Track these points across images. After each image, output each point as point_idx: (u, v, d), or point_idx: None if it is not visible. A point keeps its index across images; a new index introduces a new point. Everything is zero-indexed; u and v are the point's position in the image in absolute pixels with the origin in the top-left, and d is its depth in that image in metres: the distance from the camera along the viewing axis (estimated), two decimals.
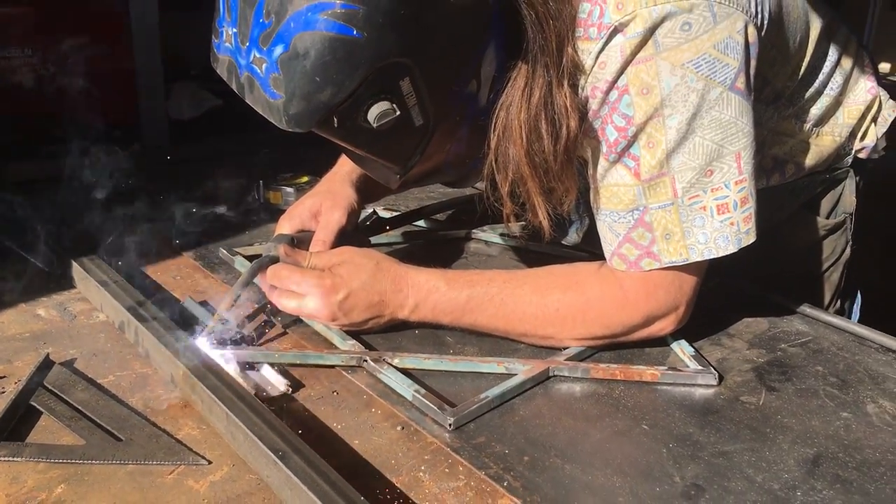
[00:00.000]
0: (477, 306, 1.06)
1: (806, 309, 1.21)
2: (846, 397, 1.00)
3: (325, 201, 1.23)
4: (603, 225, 1.06)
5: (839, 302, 1.40)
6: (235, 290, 1.07)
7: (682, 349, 1.08)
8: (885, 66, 10.98)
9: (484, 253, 1.42)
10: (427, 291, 1.07)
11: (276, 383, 0.96)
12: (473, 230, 1.47)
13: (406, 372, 0.99)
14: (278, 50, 0.85)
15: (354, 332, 1.08)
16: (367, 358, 1.01)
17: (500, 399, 0.95)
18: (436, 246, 1.43)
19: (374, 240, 1.37)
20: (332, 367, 1.02)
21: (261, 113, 0.91)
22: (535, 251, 1.42)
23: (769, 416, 0.96)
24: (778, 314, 1.22)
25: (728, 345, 1.13)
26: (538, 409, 0.95)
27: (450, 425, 0.89)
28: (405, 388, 0.95)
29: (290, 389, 0.96)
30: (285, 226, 1.21)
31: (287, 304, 1.07)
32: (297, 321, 1.12)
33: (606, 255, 1.06)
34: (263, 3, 0.84)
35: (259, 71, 0.87)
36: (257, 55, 0.86)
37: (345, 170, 1.32)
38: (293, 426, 0.86)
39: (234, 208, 1.55)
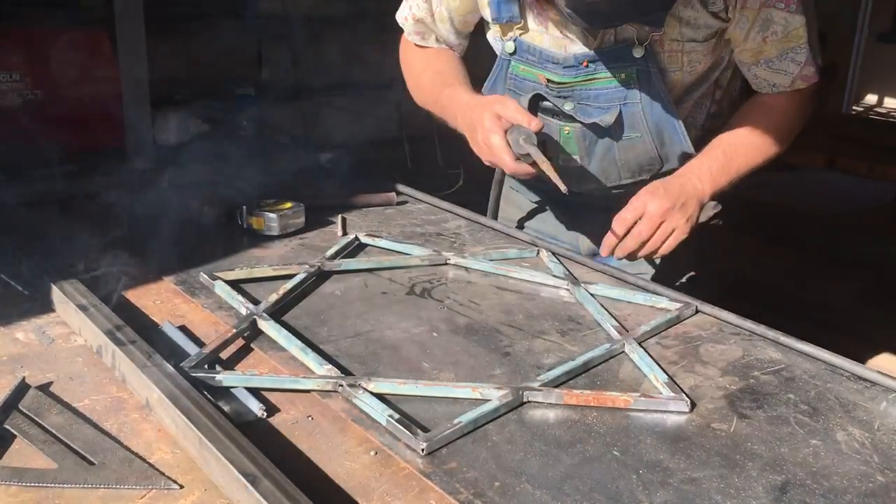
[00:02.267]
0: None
1: (780, 337, 1.23)
2: (816, 425, 1.01)
3: (494, 103, 1.42)
4: (784, 61, 1.48)
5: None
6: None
7: (655, 376, 1.09)
8: (871, 98, 11.13)
9: (463, 279, 1.43)
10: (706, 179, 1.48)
11: (251, 407, 0.97)
12: (452, 257, 1.48)
13: (381, 397, 1.00)
14: None
15: (331, 356, 1.10)
16: (343, 383, 1.01)
17: (474, 424, 0.96)
18: (414, 271, 1.44)
19: (346, 266, 1.42)
20: (308, 391, 1.02)
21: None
22: (514, 277, 1.43)
23: (739, 443, 0.97)
24: (752, 342, 1.24)
25: (701, 372, 1.14)
26: (511, 434, 0.96)
27: (423, 450, 0.90)
28: (379, 413, 0.96)
29: (265, 414, 0.96)
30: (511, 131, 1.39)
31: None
32: (274, 346, 1.13)
33: (785, 85, 1.52)
34: None
35: None
36: None
37: (457, 90, 1.56)
38: (267, 451, 0.86)
39: (216, 233, 1.56)
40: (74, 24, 2.24)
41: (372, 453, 0.91)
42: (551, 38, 1.50)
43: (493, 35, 1.58)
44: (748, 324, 1.27)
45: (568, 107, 1.54)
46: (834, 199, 5.45)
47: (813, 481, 0.90)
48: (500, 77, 1.59)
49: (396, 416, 0.95)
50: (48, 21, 2.21)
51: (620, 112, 1.51)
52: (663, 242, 1.44)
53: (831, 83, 7.62)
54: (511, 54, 1.55)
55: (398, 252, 1.51)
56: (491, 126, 1.40)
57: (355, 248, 1.53)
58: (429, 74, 1.64)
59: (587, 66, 1.49)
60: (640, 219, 1.42)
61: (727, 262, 3.57)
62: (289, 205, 1.58)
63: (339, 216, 1.66)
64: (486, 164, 1.48)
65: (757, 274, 3.63)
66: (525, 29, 1.52)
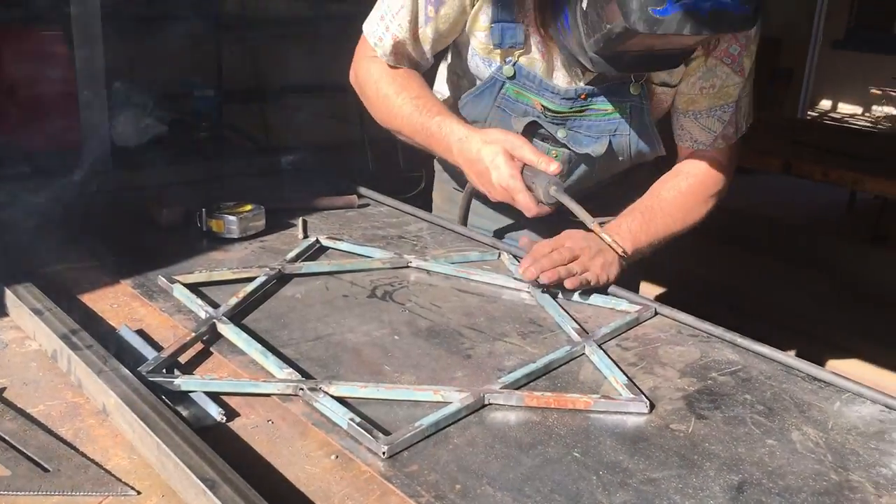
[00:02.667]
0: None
1: (737, 339, 1.25)
2: (772, 425, 1.03)
3: (503, 141, 1.41)
4: (711, 118, 1.54)
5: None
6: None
7: (615, 378, 1.10)
8: (826, 104, 11.35)
9: (425, 282, 1.43)
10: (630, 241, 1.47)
11: (210, 412, 0.96)
12: (414, 259, 1.47)
13: (342, 400, 1.00)
14: None
15: (292, 360, 1.09)
16: (304, 386, 1.01)
17: (435, 427, 0.96)
18: (376, 274, 1.43)
19: (307, 269, 1.41)
20: (268, 395, 1.01)
21: (723, 32, 1.31)
22: (475, 280, 1.43)
23: (697, 443, 0.98)
24: (710, 343, 1.25)
25: (660, 374, 1.15)
26: (472, 437, 0.96)
27: (383, 454, 0.90)
28: (340, 416, 0.95)
29: (224, 418, 0.95)
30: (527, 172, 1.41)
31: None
32: (233, 350, 1.12)
33: (706, 142, 1.57)
34: None
35: (728, 1, 1.14)
36: None
37: (449, 120, 1.50)
38: (226, 456, 0.85)
39: (175, 236, 1.54)
40: (29, 22, 2.19)
41: (332, 457, 0.90)
42: (552, 68, 1.52)
43: (482, 57, 1.55)
44: (706, 325, 1.29)
45: (561, 134, 1.57)
46: (791, 202, 5.56)
47: (769, 480, 0.91)
48: (488, 95, 1.57)
49: (357, 419, 0.94)
50: (2, 19, 2.17)
51: (610, 142, 1.57)
52: (573, 275, 1.37)
53: (787, 89, 7.78)
54: (509, 78, 1.54)
55: (359, 255, 1.51)
56: (507, 168, 1.39)
57: (316, 251, 1.52)
58: (404, 99, 1.56)
59: (584, 99, 1.52)
60: (557, 250, 1.41)
61: (689, 264, 3.63)
62: (249, 207, 1.57)
63: (300, 219, 1.65)
64: (494, 200, 1.47)
65: (717, 276, 3.69)
66: (527, 55, 1.52)
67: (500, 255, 1.55)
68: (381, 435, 0.92)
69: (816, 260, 3.60)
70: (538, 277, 1.35)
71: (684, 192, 1.57)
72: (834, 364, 3.17)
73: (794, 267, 3.70)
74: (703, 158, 1.60)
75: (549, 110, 1.55)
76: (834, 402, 1.09)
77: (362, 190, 1.90)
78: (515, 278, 1.43)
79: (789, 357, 1.19)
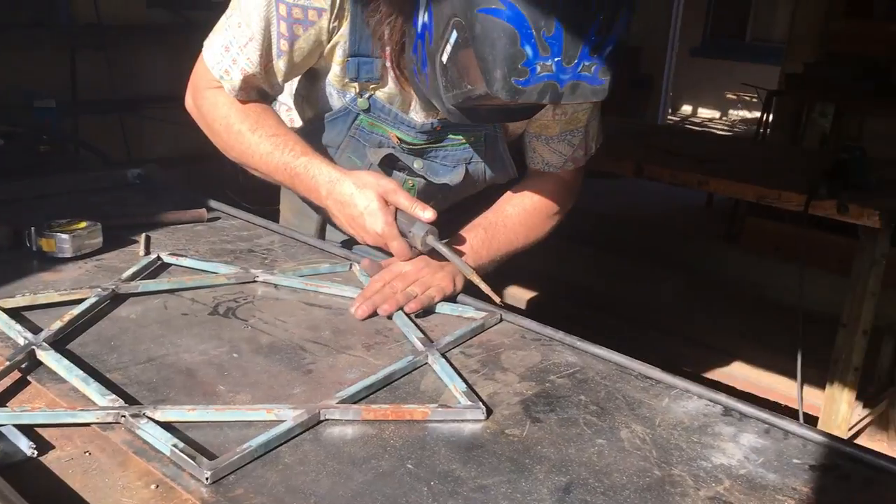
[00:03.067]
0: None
1: (576, 342, 1.28)
2: (603, 424, 1.06)
3: (375, 186, 1.40)
4: (562, 143, 1.58)
5: None
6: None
7: (455, 386, 1.11)
8: (687, 109, 11.90)
9: (272, 297, 1.40)
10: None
11: (21, 447, 0.90)
12: (261, 274, 1.44)
13: (168, 426, 0.96)
14: (608, 50, 1.16)
15: (119, 385, 1.04)
16: (126, 413, 0.96)
17: (265, 448, 0.93)
18: (220, 290, 1.39)
19: (144, 287, 1.35)
20: (88, 424, 0.96)
21: (578, 103, 1.30)
22: (324, 292, 1.41)
23: (530, 447, 0.99)
24: (551, 347, 1.28)
25: (501, 379, 1.17)
26: (304, 455, 0.94)
27: (207, 479, 0.86)
28: (163, 442, 0.91)
29: (36, 452, 0.90)
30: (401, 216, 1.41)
31: None
32: (53, 378, 1.06)
33: (556, 165, 1.61)
34: (593, 30, 1.14)
35: (588, 74, 1.17)
36: (587, 63, 1.16)
37: (316, 161, 1.47)
38: (36, 493, 0.80)
39: (0, 258, 1.45)
40: None
41: (153, 486, 0.86)
42: (409, 102, 1.51)
43: (336, 87, 1.53)
44: (548, 330, 1.31)
45: (417, 165, 1.58)
46: (650, 204, 5.80)
47: (595, 480, 0.93)
48: (341, 124, 1.55)
49: (181, 444, 0.91)
50: None
51: (466, 170, 1.59)
52: (412, 297, 1.36)
53: (648, 96, 8.12)
54: (364, 111, 1.52)
55: (203, 271, 1.46)
56: (381, 215, 1.38)
57: (157, 269, 1.46)
58: (261, 136, 1.50)
59: (440, 130, 1.53)
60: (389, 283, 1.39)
61: (554, 267, 3.72)
62: (83, 224, 1.49)
63: (143, 235, 1.59)
64: (364, 243, 1.46)
65: (579, 278, 3.79)
66: (383, 88, 1.50)
67: (351, 267, 1.54)
68: (205, 460, 0.89)
69: (673, 258, 3.76)
70: (377, 312, 1.33)
71: (528, 209, 1.60)
72: (699, 358, 3.31)
73: (657, 266, 3.85)
74: (549, 177, 1.64)
75: (405, 142, 1.55)
76: (663, 399, 1.13)
77: (213, 203, 1.85)
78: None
79: (623, 357, 1.22)
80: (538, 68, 1.15)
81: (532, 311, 3.57)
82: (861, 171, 2.57)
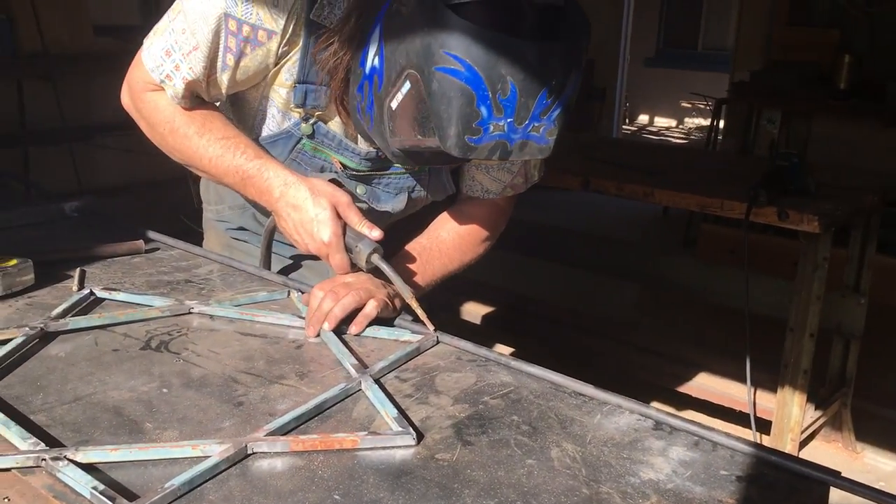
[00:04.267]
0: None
1: (510, 361, 1.28)
2: (534, 444, 1.06)
3: (330, 196, 1.41)
4: (501, 171, 1.58)
5: None
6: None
7: (386, 412, 1.10)
8: (643, 118, 12.05)
9: (207, 328, 1.39)
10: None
11: None
12: (196, 305, 1.43)
13: (90, 467, 0.94)
14: (556, 113, 1.22)
15: (43, 427, 1.02)
16: (46, 456, 0.94)
17: (189, 485, 0.92)
18: (153, 324, 1.38)
19: (74, 324, 1.33)
20: (8, 469, 0.94)
21: (525, 159, 1.27)
22: (260, 321, 1.41)
23: (460, 470, 0.99)
24: (486, 367, 1.28)
25: (434, 402, 1.17)
26: (230, 491, 0.93)
27: None
28: (83, 485, 0.90)
29: None
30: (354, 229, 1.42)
31: None
32: None
33: (495, 192, 1.62)
34: (546, 93, 1.19)
35: (536, 134, 1.22)
36: (536, 124, 1.21)
37: (271, 164, 1.48)
38: None
39: None
40: None
41: None
42: (351, 131, 1.52)
43: (280, 110, 1.52)
44: (483, 350, 1.32)
45: (360, 191, 1.58)
46: (606, 215, 5.85)
47: (523, 501, 0.93)
48: (282, 146, 1.54)
49: (101, 486, 0.89)
50: None
51: (409, 197, 1.60)
52: (347, 309, 1.37)
53: (602, 107, 8.21)
54: (307, 135, 1.52)
55: (137, 304, 1.44)
56: (331, 225, 1.39)
57: (90, 304, 1.44)
58: (209, 140, 1.49)
59: (384, 159, 1.52)
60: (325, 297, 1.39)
61: (508, 281, 3.73)
62: (13, 261, 1.47)
63: (78, 269, 1.57)
64: (304, 251, 1.46)
65: (536, 291, 3.81)
66: (327, 116, 1.51)
67: (289, 294, 1.53)
68: (125, 501, 0.87)
69: (630, 269, 3.79)
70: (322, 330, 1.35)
71: (462, 235, 1.62)
72: (650, 367, 3.34)
73: (613, 278, 3.88)
74: (485, 203, 1.65)
75: (349, 168, 1.55)
76: (595, 416, 1.14)
77: (152, 234, 1.83)
78: (301, 317, 1.41)
79: (556, 374, 1.23)
80: (491, 128, 1.20)
81: (486, 325, 3.58)
82: (799, 178, 2.61)
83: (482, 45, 1.15)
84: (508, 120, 1.20)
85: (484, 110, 1.18)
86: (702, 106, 10.00)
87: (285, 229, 1.46)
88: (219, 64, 1.46)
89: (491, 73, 1.16)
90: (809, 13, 5.93)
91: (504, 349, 3.03)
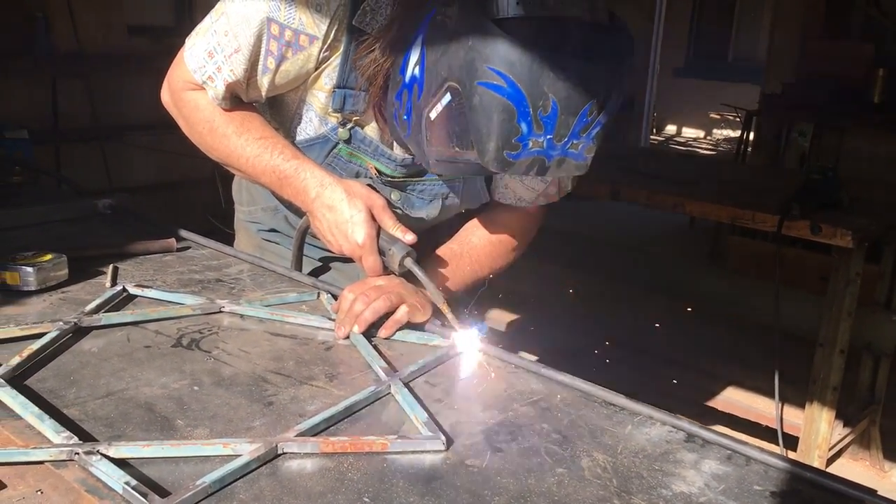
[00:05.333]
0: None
1: (541, 369, 1.27)
2: (564, 453, 1.05)
3: (365, 198, 1.42)
4: (535, 179, 1.55)
5: None
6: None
7: (416, 416, 1.10)
8: (671, 129, 11.96)
9: (237, 327, 1.39)
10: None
11: None
12: (227, 304, 1.43)
13: (123, 462, 0.95)
14: (596, 131, 1.22)
15: (76, 421, 1.03)
16: (79, 450, 0.95)
17: (220, 483, 0.92)
18: (185, 322, 1.38)
19: (107, 320, 1.34)
20: (41, 462, 0.95)
21: (561, 177, 1.44)
22: (290, 322, 1.41)
23: (490, 477, 0.99)
24: (516, 375, 1.27)
25: (464, 408, 1.16)
26: (260, 490, 0.93)
27: None
28: (115, 480, 0.90)
29: None
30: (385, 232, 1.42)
31: None
32: (9, 414, 1.04)
33: (528, 200, 1.61)
34: (586, 111, 1.19)
35: (574, 151, 1.23)
36: (575, 142, 1.22)
37: (308, 164, 1.48)
38: None
39: None
40: None
41: None
42: (387, 137, 1.52)
43: (318, 113, 1.53)
44: (513, 357, 1.31)
45: (395, 197, 1.59)
46: (632, 226, 5.82)
47: None
48: (318, 150, 1.55)
49: (134, 482, 0.90)
50: None
51: (442, 204, 1.61)
52: (378, 313, 1.37)
53: (630, 117, 8.17)
54: (344, 140, 1.53)
55: (169, 302, 1.45)
56: (365, 227, 1.40)
57: (122, 301, 1.45)
58: (247, 140, 1.51)
59: (419, 165, 1.52)
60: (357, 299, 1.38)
61: (534, 289, 3.72)
62: (49, 257, 1.48)
63: (111, 266, 1.58)
64: (338, 252, 1.46)
65: (560, 300, 3.79)
66: (364, 121, 1.51)
67: (318, 295, 1.53)
68: (157, 498, 0.88)
69: (654, 279, 3.77)
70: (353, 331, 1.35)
71: (493, 242, 1.62)
72: (678, 379, 3.31)
73: (637, 287, 3.85)
74: (517, 210, 1.64)
75: (384, 174, 1.56)
76: (626, 426, 1.13)
77: (184, 232, 1.84)
78: (331, 318, 1.41)
79: (586, 383, 1.22)
80: (530, 144, 1.20)
81: (511, 333, 3.57)
82: (833, 191, 2.58)
83: (525, 61, 1.15)
84: (548, 137, 1.20)
85: (524, 126, 1.18)
86: (731, 117, 9.93)
87: (319, 230, 1.47)
88: (260, 67, 1.47)
89: (533, 89, 1.16)
90: (843, 26, 5.87)
91: (529, 356, 3.01)
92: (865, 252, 2.58)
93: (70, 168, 4.64)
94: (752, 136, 6.11)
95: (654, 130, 11.06)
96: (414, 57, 1.31)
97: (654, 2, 8.53)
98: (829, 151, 5.35)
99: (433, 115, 1.28)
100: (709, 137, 11.68)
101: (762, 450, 1.07)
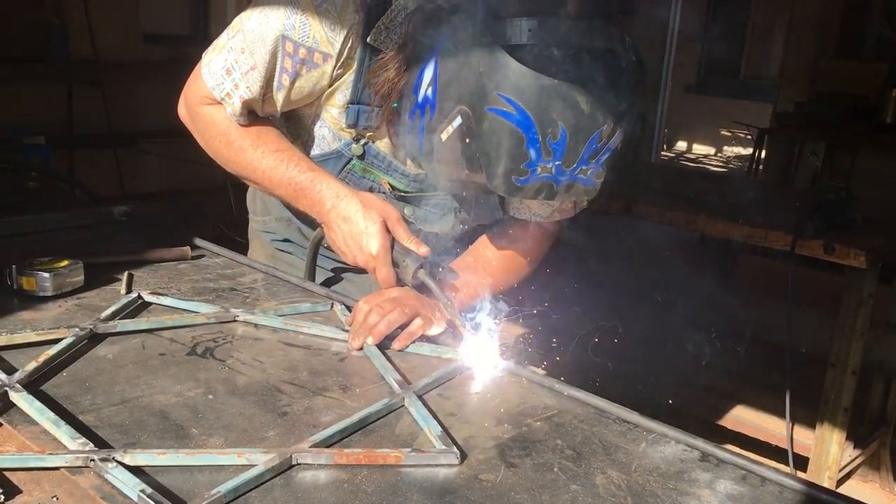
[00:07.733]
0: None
1: (554, 384, 1.27)
2: (578, 469, 1.05)
3: (381, 210, 1.42)
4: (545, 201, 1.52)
5: None
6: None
7: (430, 429, 1.10)
8: (682, 145, 11.94)
9: (251, 336, 1.39)
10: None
11: None
12: (241, 313, 1.44)
13: (138, 469, 0.95)
14: (606, 157, 1.22)
15: (91, 427, 1.03)
16: (95, 457, 0.95)
17: (234, 493, 0.92)
18: (199, 330, 1.39)
19: (122, 327, 1.34)
20: (57, 468, 0.95)
21: (570, 199, 1.44)
22: (304, 332, 1.41)
23: (504, 493, 0.98)
24: (530, 390, 1.27)
25: (477, 422, 1.16)
26: (274, 501, 0.93)
27: None
28: (131, 487, 0.90)
29: (3, 497, 0.89)
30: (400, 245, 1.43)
31: None
32: (26, 420, 1.05)
33: (544, 215, 1.59)
34: (596, 138, 1.19)
35: (583, 176, 1.23)
36: (584, 167, 1.22)
37: (323, 176, 1.49)
38: None
39: None
40: None
41: None
42: (403, 154, 1.53)
43: (331, 129, 1.54)
44: (526, 372, 1.31)
45: (408, 211, 1.60)
46: (642, 241, 5.80)
47: None
48: (332, 165, 1.56)
49: (149, 490, 0.90)
50: None
51: (455, 217, 1.61)
52: (392, 325, 1.37)
53: (642, 133, 8.16)
54: (357, 156, 1.54)
55: (183, 310, 1.45)
56: (380, 239, 1.40)
57: (137, 308, 1.46)
58: (263, 152, 1.52)
59: (432, 180, 1.54)
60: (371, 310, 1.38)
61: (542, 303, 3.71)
62: (65, 263, 1.49)
63: (126, 273, 1.59)
64: (352, 263, 1.47)
65: (571, 314, 3.77)
66: (377, 137, 1.52)
67: (332, 306, 1.54)
68: None
69: (662, 295, 3.75)
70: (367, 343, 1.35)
71: (508, 256, 1.62)
72: (687, 397, 3.29)
73: (645, 303, 3.84)
74: (532, 225, 1.64)
75: (397, 189, 1.56)
76: (640, 444, 1.13)
77: (198, 241, 1.85)
78: (345, 329, 1.41)
79: (601, 400, 1.22)
80: (539, 169, 1.21)
81: (521, 347, 3.54)
82: (846, 211, 2.58)
83: (535, 89, 1.16)
84: (557, 163, 1.20)
85: (533, 153, 1.19)
86: (742, 135, 9.91)
87: (334, 241, 1.47)
88: (275, 83, 1.48)
89: (542, 117, 1.17)
90: (857, 45, 5.87)
91: (536, 370, 3.00)
92: (878, 272, 2.57)
93: (83, 174, 4.67)
94: (763, 154, 6.11)
95: (665, 147, 11.05)
96: (427, 78, 1.32)
97: (668, 19, 8.54)
98: (840, 171, 5.34)
99: (444, 136, 1.30)
100: (719, 154, 11.65)
101: (777, 470, 1.06)
